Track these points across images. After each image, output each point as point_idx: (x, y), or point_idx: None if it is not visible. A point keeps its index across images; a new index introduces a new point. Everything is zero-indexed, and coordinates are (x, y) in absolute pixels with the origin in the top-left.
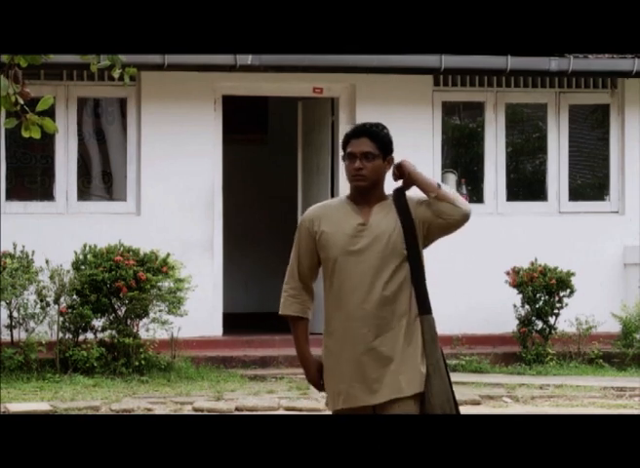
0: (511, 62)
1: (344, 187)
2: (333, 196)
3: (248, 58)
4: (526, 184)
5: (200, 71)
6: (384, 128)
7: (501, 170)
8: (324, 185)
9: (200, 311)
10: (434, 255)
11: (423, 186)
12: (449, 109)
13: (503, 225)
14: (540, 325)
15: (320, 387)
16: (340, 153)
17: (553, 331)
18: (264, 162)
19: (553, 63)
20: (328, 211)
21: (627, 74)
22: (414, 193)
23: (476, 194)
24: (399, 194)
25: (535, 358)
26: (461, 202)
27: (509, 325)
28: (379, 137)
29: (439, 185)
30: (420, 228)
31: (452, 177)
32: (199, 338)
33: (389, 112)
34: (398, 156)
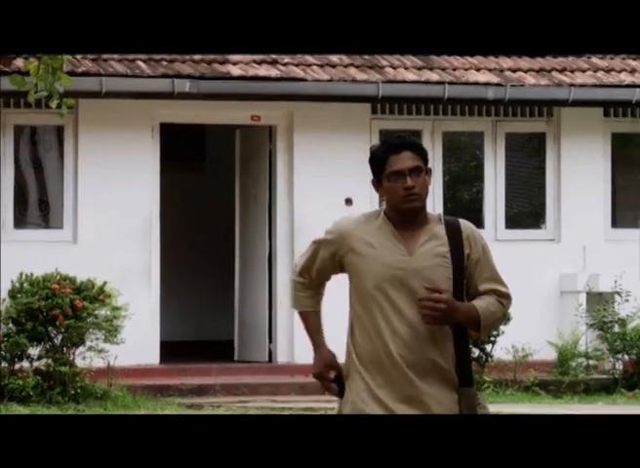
0: (448, 91)
1: (282, 215)
2: (270, 224)
3: (186, 86)
4: (463, 212)
5: (138, 99)
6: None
7: (439, 198)
8: (262, 213)
9: (137, 339)
10: None
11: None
12: (387, 137)
13: None
14: (476, 352)
15: (326, 386)
16: (281, 181)
17: (490, 359)
18: (202, 190)
19: (490, 92)
20: (364, 229)
21: (563, 103)
22: (469, 228)
23: None
24: (453, 226)
25: None
26: (503, 313)
27: None
28: (420, 148)
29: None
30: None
31: None
32: (136, 367)
33: (327, 140)
34: (335, 184)
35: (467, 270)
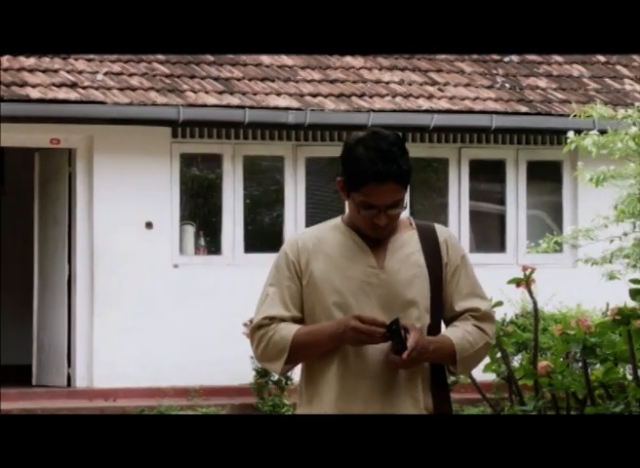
0: (249, 115)
1: (82, 237)
2: (70, 247)
3: None
4: (264, 236)
5: None
6: (403, 147)
7: (239, 221)
8: (61, 236)
9: None
10: (172, 303)
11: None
12: (187, 161)
13: (241, 276)
14: (276, 376)
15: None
16: (81, 204)
17: (289, 382)
18: (1, 212)
19: (290, 116)
20: (324, 242)
21: (362, 128)
22: (447, 232)
23: (214, 245)
24: (427, 231)
25: (271, 408)
26: (486, 342)
27: (248, 376)
28: (406, 175)
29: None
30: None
31: (190, 229)
32: None
33: (128, 163)
34: (135, 207)
35: (444, 283)
